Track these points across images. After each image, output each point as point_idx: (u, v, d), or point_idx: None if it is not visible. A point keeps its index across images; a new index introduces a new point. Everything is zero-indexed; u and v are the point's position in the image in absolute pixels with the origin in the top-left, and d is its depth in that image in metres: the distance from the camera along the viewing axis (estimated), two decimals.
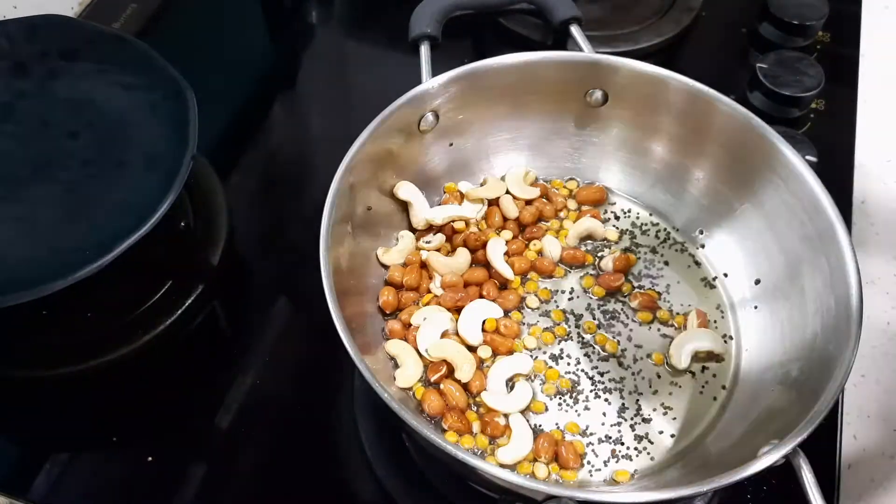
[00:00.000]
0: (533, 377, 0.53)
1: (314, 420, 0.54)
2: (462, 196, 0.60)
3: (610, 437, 0.50)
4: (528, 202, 0.60)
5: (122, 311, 0.55)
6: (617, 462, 0.49)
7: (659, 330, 0.55)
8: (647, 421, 0.51)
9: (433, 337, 0.52)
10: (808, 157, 0.64)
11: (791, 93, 0.68)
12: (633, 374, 0.53)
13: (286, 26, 0.81)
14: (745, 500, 0.50)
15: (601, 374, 0.53)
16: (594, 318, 0.56)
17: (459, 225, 0.57)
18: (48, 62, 0.58)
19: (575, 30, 0.62)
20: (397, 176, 0.58)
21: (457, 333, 0.53)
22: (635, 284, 0.57)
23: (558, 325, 0.55)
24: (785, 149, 0.53)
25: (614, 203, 0.62)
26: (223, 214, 0.60)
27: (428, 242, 0.58)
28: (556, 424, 0.51)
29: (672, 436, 0.51)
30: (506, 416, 0.50)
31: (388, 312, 0.55)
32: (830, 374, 0.44)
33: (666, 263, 0.58)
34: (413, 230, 0.59)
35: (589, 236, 0.60)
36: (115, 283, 0.56)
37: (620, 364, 0.54)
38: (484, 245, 0.56)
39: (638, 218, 0.61)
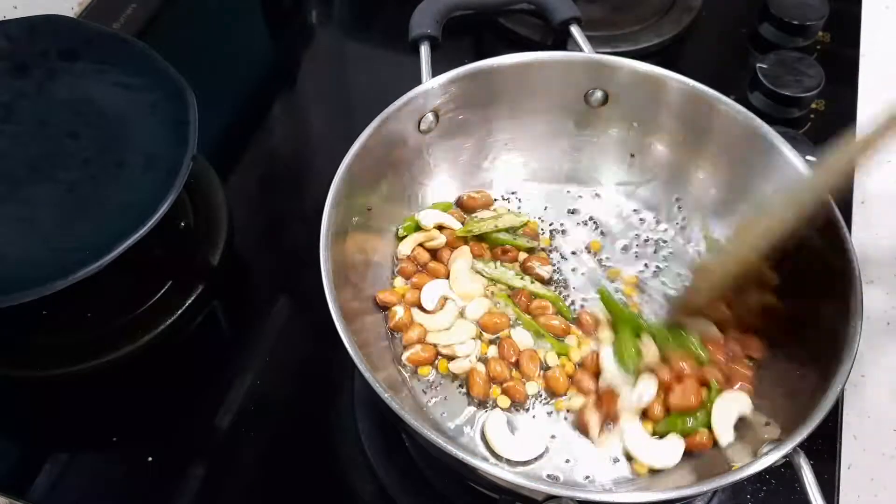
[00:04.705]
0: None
1: (314, 420, 0.54)
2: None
3: None
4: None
5: (122, 311, 0.55)
6: (616, 462, 0.49)
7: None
8: None
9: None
10: (808, 158, 0.63)
11: (791, 93, 0.68)
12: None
13: (286, 26, 0.81)
14: (745, 500, 0.50)
15: None
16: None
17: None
18: (48, 62, 0.58)
19: (575, 30, 0.62)
20: (397, 176, 0.58)
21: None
22: (635, 288, 0.57)
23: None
24: (785, 149, 0.53)
25: (614, 203, 0.62)
26: (223, 214, 0.60)
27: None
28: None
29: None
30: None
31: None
32: (830, 374, 0.44)
33: (667, 264, 0.58)
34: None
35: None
36: (115, 283, 0.56)
37: None
38: None
39: (638, 218, 0.61)
